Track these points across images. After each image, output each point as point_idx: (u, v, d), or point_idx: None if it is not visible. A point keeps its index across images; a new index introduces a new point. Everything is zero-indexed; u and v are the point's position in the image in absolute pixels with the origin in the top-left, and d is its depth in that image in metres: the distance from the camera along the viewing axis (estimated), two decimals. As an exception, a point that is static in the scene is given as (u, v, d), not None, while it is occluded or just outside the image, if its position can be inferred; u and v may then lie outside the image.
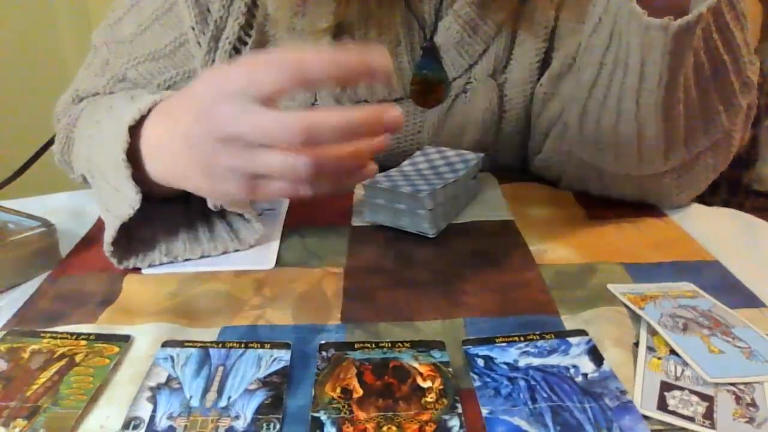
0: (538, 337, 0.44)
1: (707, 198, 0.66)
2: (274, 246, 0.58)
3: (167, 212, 0.57)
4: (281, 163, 0.40)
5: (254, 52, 0.67)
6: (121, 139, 0.49)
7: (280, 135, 0.39)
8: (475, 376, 0.41)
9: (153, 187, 0.51)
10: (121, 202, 0.51)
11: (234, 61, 0.42)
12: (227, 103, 0.40)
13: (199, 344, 0.44)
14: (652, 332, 0.45)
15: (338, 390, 0.40)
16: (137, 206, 0.50)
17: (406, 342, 0.44)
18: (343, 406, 0.38)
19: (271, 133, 0.39)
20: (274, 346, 0.44)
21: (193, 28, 0.66)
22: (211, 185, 0.45)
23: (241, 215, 0.57)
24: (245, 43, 0.67)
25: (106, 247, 0.53)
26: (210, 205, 0.54)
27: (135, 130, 0.50)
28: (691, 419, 0.37)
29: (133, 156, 0.50)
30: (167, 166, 0.48)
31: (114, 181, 0.51)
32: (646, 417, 0.38)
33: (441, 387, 0.40)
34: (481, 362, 0.42)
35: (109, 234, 0.52)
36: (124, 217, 0.51)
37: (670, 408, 0.38)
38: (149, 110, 0.50)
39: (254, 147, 0.40)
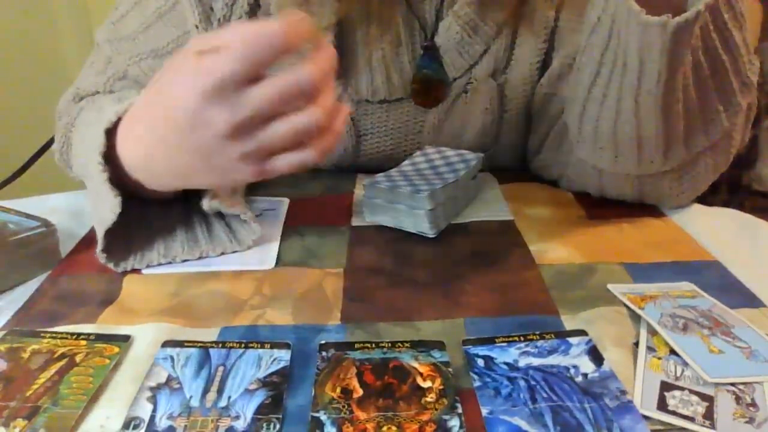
0: (538, 337, 0.44)
1: (707, 198, 0.66)
2: (274, 246, 0.58)
3: (165, 213, 0.57)
4: (292, 126, 0.41)
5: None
6: (98, 143, 0.49)
7: (288, 94, 0.40)
8: (475, 376, 0.41)
9: (146, 190, 0.51)
10: (104, 207, 0.51)
11: (190, 53, 0.42)
12: (215, 99, 0.40)
13: (199, 344, 0.44)
14: (652, 332, 0.45)
15: (338, 390, 0.40)
16: (118, 210, 0.50)
17: (406, 342, 0.44)
18: (343, 406, 0.38)
19: (279, 98, 0.40)
20: (274, 346, 0.44)
21: (197, 27, 0.66)
22: (220, 178, 0.45)
23: (239, 216, 0.57)
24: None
25: (99, 254, 0.53)
26: (205, 207, 0.54)
27: (113, 133, 0.49)
28: (691, 419, 0.37)
29: (114, 159, 0.50)
30: (160, 175, 0.48)
31: (97, 185, 0.51)
32: (646, 417, 0.38)
33: (441, 387, 0.40)
34: (481, 362, 0.42)
35: (99, 242, 0.53)
36: (107, 223, 0.51)
37: (670, 408, 0.38)
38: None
39: (263, 126, 0.41)
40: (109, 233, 0.52)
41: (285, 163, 0.43)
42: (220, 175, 0.45)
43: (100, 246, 0.52)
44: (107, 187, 0.50)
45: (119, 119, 0.49)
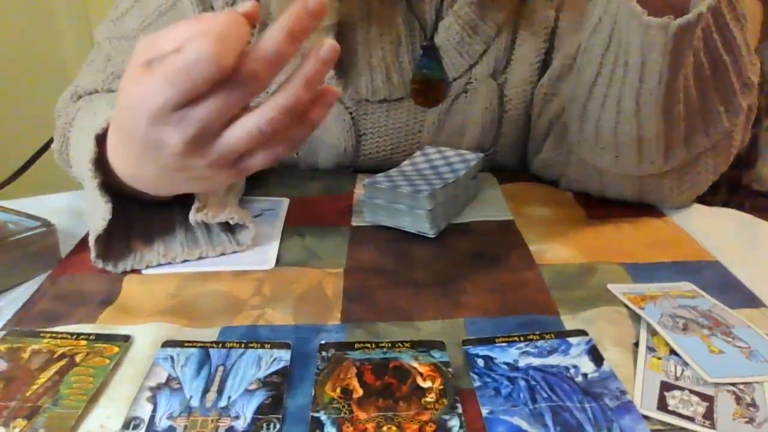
0: (538, 337, 0.44)
1: (707, 198, 0.66)
2: (274, 246, 0.58)
3: (165, 214, 0.57)
4: (245, 131, 0.39)
5: None
6: (89, 148, 0.49)
7: (228, 107, 0.38)
8: (475, 376, 0.41)
9: (143, 193, 0.51)
10: (96, 212, 0.51)
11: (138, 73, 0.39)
12: (164, 121, 0.39)
13: (199, 344, 0.44)
14: (652, 332, 0.45)
15: (338, 390, 0.40)
16: (108, 217, 0.50)
17: (406, 342, 0.44)
18: (343, 406, 0.38)
19: (222, 110, 0.38)
20: (274, 346, 0.44)
21: None
22: (200, 187, 0.45)
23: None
24: (248, 42, 0.67)
25: (95, 260, 0.53)
26: (191, 220, 0.54)
27: (103, 139, 0.49)
28: (691, 419, 0.37)
29: (106, 164, 0.50)
30: (147, 185, 0.48)
31: (90, 190, 0.51)
32: (646, 417, 0.38)
33: (441, 387, 0.40)
34: (481, 362, 0.42)
35: (92, 249, 0.53)
36: (98, 230, 0.51)
37: (670, 408, 0.38)
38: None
39: (219, 134, 0.39)
40: (107, 235, 0.52)
41: (257, 162, 0.42)
42: (198, 184, 0.44)
43: (93, 253, 0.53)
44: (98, 193, 0.50)
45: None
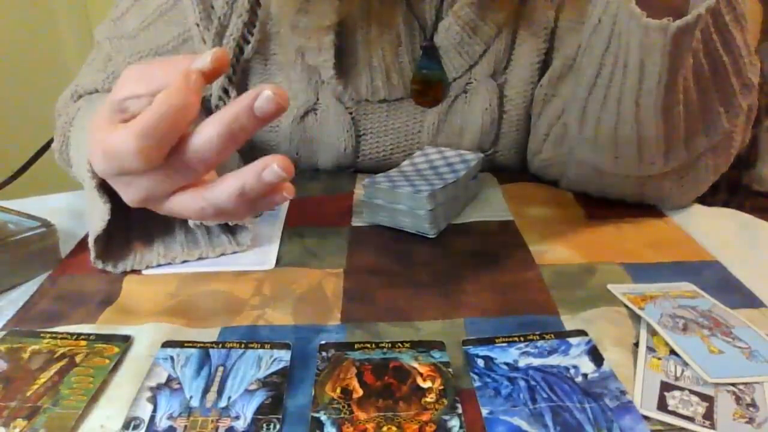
0: (538, 338, 0.44)
1: (707, 198, 0.66)
2: (274, 246, 0.58)
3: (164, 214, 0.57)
4: (193, 204, 0.39)
5: (255, 52, 0.67)
6: (87, 150, 0.49)
7: (175, 180, 0.38)
8: (475, 377, 0.41)
9: None
10: (95, 213, 0.51)
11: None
12: (115, 180, 0.40)
13: (199, 344, 0.44)
14: (652, 332, 0.45)
15: (338, 390, 0.40)
16: (107, 217, 0.50)
17: (406, 342, 0.44)
18: (343, 407, 0.38)
19: (166, 183, 0.38)
20: (274, 346, 0.44)
21: (198, 25, 0.66)
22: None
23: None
24: (248, 42, 0.68)
25: (94, 261, 0.53)
26: (190, 223, 0.54)
27: None
28: (691, 419, 0.37)
29: None
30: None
31: (89, 191, 0.51)
32: (646, 417, 0.38)
33: (441, 387, 0.40)
34: (481, 362, 0.42)
35: (91, 249, 0.53)
36: (97, 231, 0.51)
37: (670, 408, 0.38)
38: None
39: (168, 198, 0.39)
40: (107, 236, 0.52)
41: (210, 218, 0.41)
42: (168, 214, 0.44)
43: (92, 254, 0.53)
44: (96, 194, 0.50)
45: None
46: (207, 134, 0.36)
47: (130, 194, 0.40)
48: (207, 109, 0.70)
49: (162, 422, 0.37)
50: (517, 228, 0.62)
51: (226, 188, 0.37)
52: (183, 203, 0.39)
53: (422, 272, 0.54)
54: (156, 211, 0.41)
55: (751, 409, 0.38)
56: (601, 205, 0.66)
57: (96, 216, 0.51)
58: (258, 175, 0.36)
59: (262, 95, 0.35)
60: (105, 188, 0.51)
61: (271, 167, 0.36)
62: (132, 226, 0.56)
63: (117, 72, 0.70)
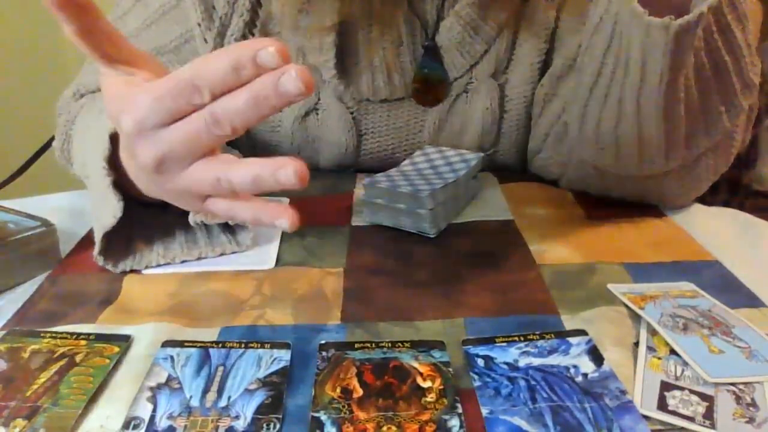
0: (538, 337, 0.44)
1: (707, 198, 0.66)
2: (274, 246, 0.58)
3: (164, 214, 0.57)
4: (212, 171, 0.39)
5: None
6: (103, 146, 0.50)
7: (195, 144, 0.38)
8: (475, 376, 0.41)
9: (144, 195, 0.51)
10: (105, 210, 0.51)
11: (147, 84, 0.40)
12: (139, 135, 0.39)
13: (199, 344, 0.44)
14: (652, 332, 0.45)
15: (338, 390, 0.40)
16: (119, 215, 0.50)
17: (406, 342, 0.44)
18: (343, 406, 0.38)
19: (188, 138, 0.38)
20: (274, 346, 0.44)
21: (200, 25, 0.66)
22: (177, 203, 0.45)
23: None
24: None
25: (97, 257, 0.53)
26: (190, 220, 0.54)
27: (117, 138, 0.50)
28: (691, 419, 0.37)
29: (117, 163, 0.50)
30: (145, 189, 0.48)
31: (99, 188, 0.52)
32: (646, 417, 0.37)
33: (441, 387, 0.40)
34: (481, 362, 0.42)
35: (96, 244, 0.53)
36: (107, 227, 0.51)
37: (670, 408, 0.38)
38: None
39: (185, 167, 0.39)
40: (108, 234, 0.52)
41: (217, 206, 0.41)
42: (174, 201, 0.44)
43: (97, 248, 0.53)
44: (111, 191, 0.50)
45: None
46: (237, 93, 0.36)
47: (153, 152, 0.39)
48: None
49: (162, 422, 0.37)
50: (517, 228, 0.62)
51: (245, 166, 0.37)
52: (200, 171, 0.39)
53: (422, 272, 0.54)
54: (163, 187, 0.41)
55: (751, 408, 0.38)
56: (601, 205, 0.66)
57: (107, 212, 0.51)
58: (274, 171, 0.36)
59: (287, 74, 0.34)
60: (117, 186, 0.51)
61: (287, 169, 0.36)
62: (133, 226, 0.56)
63: None
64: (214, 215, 0.44)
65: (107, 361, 0.43)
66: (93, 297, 0.51)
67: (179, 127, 0.38)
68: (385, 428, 0.37)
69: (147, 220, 0.57)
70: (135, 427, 0.37)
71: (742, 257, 0.55)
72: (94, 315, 0.48)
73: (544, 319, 0.47)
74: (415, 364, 0.42)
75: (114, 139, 0.50)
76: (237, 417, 0.38)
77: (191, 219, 0.54)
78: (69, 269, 0.55)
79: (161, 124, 0.38)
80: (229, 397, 0.39)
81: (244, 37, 0.67)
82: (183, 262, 0.55)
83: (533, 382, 0.40)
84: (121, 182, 0.51)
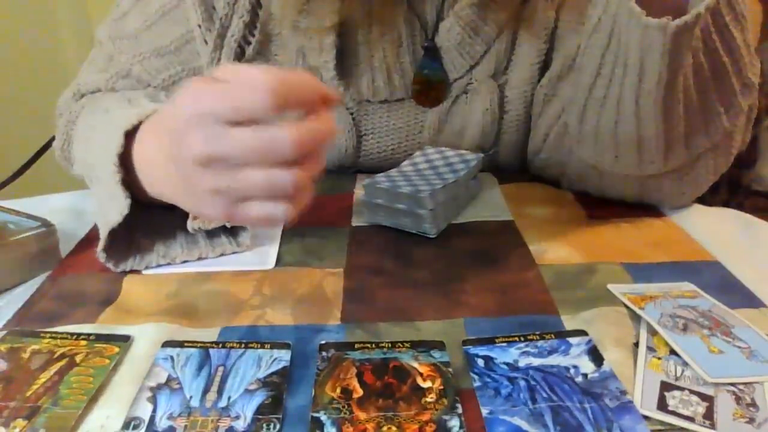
0: (538, 337, 0.44)
1: (707, 198, 0.66)
2: (274, 246, 0.58)
3: (165, 214, 0.57)
4: (267, 178, 0.39)
5: (256, 53, 0.68)
6: (116, 143, 0.50)
7: (270, 152, 0.38)
8: (475, 376, 0.41)
9: (148, 195, 0.51)
10: (112, 207, 0.51)
11: (220, 71, 0.40)
12: (199, 125, 0.39)
13: (199, 344, 0.44)
14: (652, 332, 0.45)
15: (338, 390, 0.40)
16: (125, 212, 0.50)
17: (406, 342, 0.44)
18: (343, 406, 0.38)
19: (253, 147, 0.38)
20: (274, 346, 0.44)
21: (200, 26, 0.66)
22: (194, 206, 0.45)
23: None
24: (249, 43, 0.68)
25: (99, 254, 0.53)
26: (189, 227, 0.54)
27: (130, 136, 0.50)
28: (691, 419, 0.37)
29: (126, 161, 0.50)
30: (158, 182, 0.48)
31: (106, 186, 0.51)
32: (646, 417, 0.38)
33: (441, 387, 0.40)
34: (481, 362, 0.42)
35: (101, 241, 0.53)
36: (113, 224, 0.51)
37: (670, 408, 0.38)
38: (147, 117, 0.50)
39: (237, 167, 0.39)
40: (112, 233, 0.52)
41: (255, 211, 0.41)
42: (195, 204, 0.44)
43: (101, 245, 0.53)
44: (120, 189, 0.50)
45: (140, 122, 0.50)
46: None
47: (196, 147, 0.39)
48: None
49: (162, 422, 0.37)
50: (517, 228, 0.62)
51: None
52: (249, 174, 0.39)
53: (422, 272, 0.54)
54: (201, 183, 0.41)
55: (751, 408, 0.38)
56: (601, 205, 0.66)
57: (113, 209, 0.51)
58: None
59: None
60: (125, 184, 0.51)
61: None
62: (134, 227, 0.56)
63: (121, 72, 0.70)
64: (243, 220, 0.43)
65: (107, 361, 0.43)
66: (93, 297, 0.51)
67: (241, 133, 0.38)
68: (385, 428, 0.37)
69: (148, 220, 0.57)
70: (135, 427, 0.37)
71: (742, 257, 0.55)
72: (94, 315, 0.48)
73: (544, 320, 0.47)
74: (415, 365, 0.42)
75: (128, 136, 0.50)
76: (237, 417, 0.38)
77: (190, 226, 0.54)
78: (69, 269, 0.55)
79: (224, 121, 0.38)
80: (229, 398, 0.39)
81: (243, 38, 0.67)
82: (183, 262, 0.55)
83: (533, 383, 0.40)
84: (127, 181, 0.51)
